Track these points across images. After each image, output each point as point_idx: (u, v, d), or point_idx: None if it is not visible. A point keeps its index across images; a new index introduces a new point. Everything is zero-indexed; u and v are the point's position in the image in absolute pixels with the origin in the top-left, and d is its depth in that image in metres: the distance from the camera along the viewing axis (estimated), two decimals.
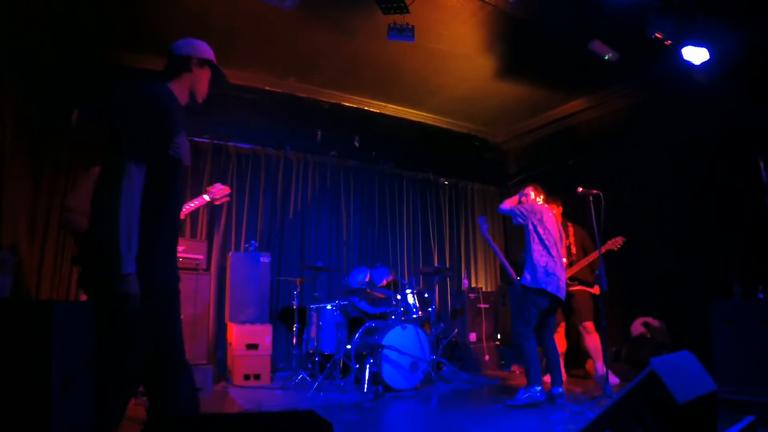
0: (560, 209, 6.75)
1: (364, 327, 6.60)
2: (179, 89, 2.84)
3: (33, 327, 1.88)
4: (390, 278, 7.92)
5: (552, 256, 5.62)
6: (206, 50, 3.00)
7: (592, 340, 6.52)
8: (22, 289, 5.58)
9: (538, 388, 5.37)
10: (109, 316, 2.32)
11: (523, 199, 6.10)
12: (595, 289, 6.53)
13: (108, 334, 2.34)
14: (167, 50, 2.95)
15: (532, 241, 5.70)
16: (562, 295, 5.59)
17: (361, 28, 6.56)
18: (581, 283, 6.54)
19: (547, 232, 5.71)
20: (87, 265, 2.46)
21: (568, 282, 6.46)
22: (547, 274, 5.54)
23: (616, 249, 6.28)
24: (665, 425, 2.51)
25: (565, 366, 6.92)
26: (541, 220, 5.74)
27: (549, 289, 5.48)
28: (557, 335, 6.83)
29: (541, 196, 6.14)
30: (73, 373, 1.99)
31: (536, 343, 5.59)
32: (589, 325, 6.53)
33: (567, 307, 6.63)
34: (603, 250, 6.24)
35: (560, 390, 5.46)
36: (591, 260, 6.48)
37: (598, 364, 6.52)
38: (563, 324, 6.84)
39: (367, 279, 7.69)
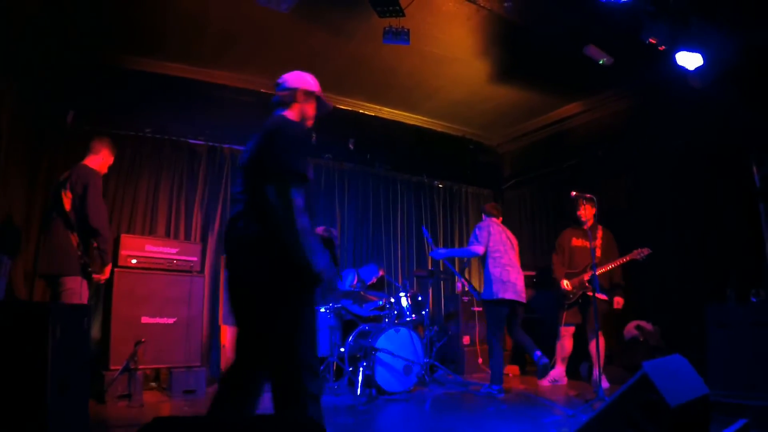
0: (594, 209, 6.76)
1: (357, 330, 6.60)
2: (292, 117, 3.31)
3: (29, 329, 1.88)
4: (380, 274, 7.92)
5: (504, 265, 6.14)
6: (312, 83, 3.42)
7: (600, 346, 6.44)
8: (16, 291, 5.57)
9: (497, 388, 5.98)
10: (302, 306, 2.83)
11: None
12: (618, 300, 6.63)
13: (305, 320, 2.83)
14: (277, 83, 3.45)
15: (486, 256, 6.24)
16: (522, 298, 6.13)
17: (357, 31, 6.58)
18: (602, 290, 6.49)
19: (496, 243, 6.22)
20: (274, 272, 2.78)
21: (587, 285, 6.53)
22: (502, 282, 6.04)
23: (640, 259, 6.27)
24: (657, 428, 2.52)
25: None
26: (490, 233, 6.28)
27: (507, 296, 6.01)
28: (565, 338, 6.84)
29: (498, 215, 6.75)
30: (69, 375, 2.00)
31: (502, 347, 6.22)
32: (600, 332, 6.46)
33: (580, 311, 6.72)
34: (628, 258, 6.27)
35: (538, 354, 6.08)
36: (611, 268, 6.49)
37: (595, 369, 6.50)
38: (573, 327, 6.86)
39: (356, 280, 7.69)
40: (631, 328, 7.04)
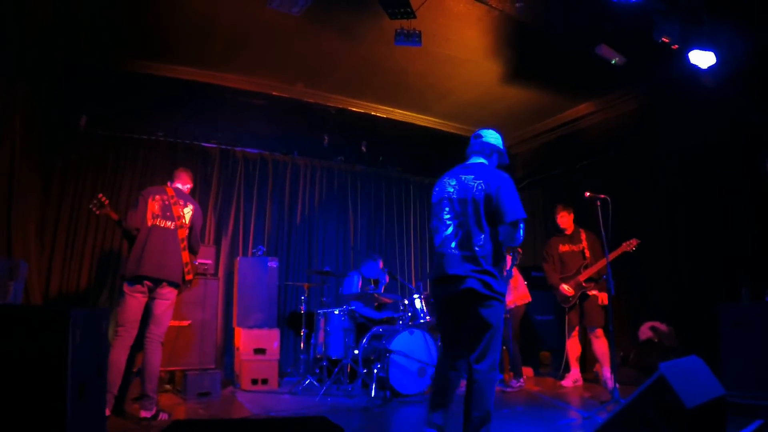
0: (571, 216, 6.99)
1: (371, 332, 6.61)
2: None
3: (49, 333, 1.89)
4: (380, 265, 7.91)
5: None
6: (501, 141, 4.15)
7: (601, 346, 6.61)
8: (32, 295, 5.61)
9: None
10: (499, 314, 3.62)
11: None
12: (603, 296, 6.60)
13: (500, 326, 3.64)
14: (477, 134, 4.21)
15: None
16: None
17: (369, 33, 6.58)
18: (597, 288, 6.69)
19: None
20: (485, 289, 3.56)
21: (583, 285, 6.65)
22: None
23: (631, 250, 6.34)
24: (674, 430, 2.51)
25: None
26: None
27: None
28: (572, 339, 6.90)
29: None
30: (87, 380, 2.00)
31: None
32: (599, 331, 6.59)
33: (580, 311, 6.80)
34: (619, 251, 6.29)
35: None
36: (605, 264, 6.51)
37: (605, 369, 6.54)
38: (577, 328, 6.90)
39: (360, 282, 7.69)
40: (645, 329, 7.02)
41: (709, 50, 5.68)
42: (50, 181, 6.74)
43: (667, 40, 5.52)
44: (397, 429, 5.09)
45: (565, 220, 7.08)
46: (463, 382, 3.69)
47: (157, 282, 4.93)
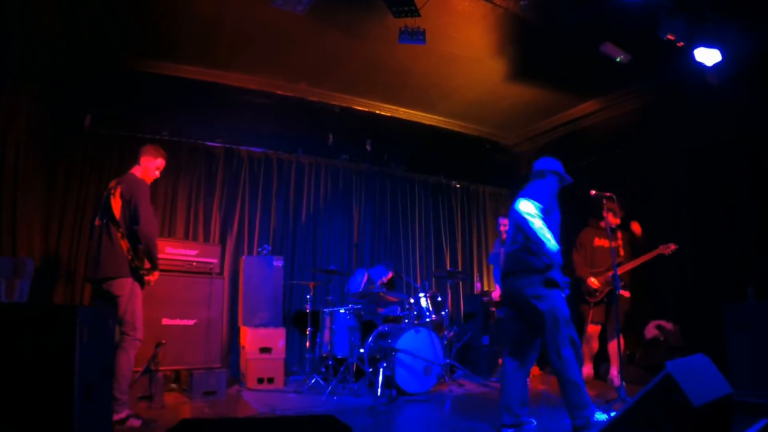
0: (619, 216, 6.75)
1: (377, 330, 6.61)
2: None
3: (56, 332, 1.88)
4: (389, 275, 7.92)
5: None
6: (556, 165, 4.78)
7: (615, 345, 6.44)
8: (38, 294, 5.63)
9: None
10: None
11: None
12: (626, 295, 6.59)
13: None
14: (532, 165, 4.89)
15: None
16: None
17: (372, 31, 6.57)
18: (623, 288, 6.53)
19: None
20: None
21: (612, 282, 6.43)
22: None
23: (667, 254, 6.29)
24: (681, 429, 2.50)
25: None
26: None
27: None
28: (594, 337, 6.80)
29: None
30: (95, 379, 2.00)
31: None
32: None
33: (606, 309, 6.72)
34: (654, 254, 6.22)
35: None
36: (639, 263, 6.50)
37: (613, 368, 6.49)
38: (600, 327, 6.86)
39: (365, 280, 7.70)
40: (651, 328, 7.00)
41: (714, 48, 5.66)
42: (55, 180, 6.75)
43: (672, 38, 5.50)
44: (403, 427, 5.09)
45: (613, 219, 6.62)
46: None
47: (95, 282, 4.82)
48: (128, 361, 4.70)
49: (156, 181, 6.61)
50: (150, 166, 5.22)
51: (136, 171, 5.14)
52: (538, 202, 4.41)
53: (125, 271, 4.73)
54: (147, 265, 4.92)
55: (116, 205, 4.82)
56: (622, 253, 6.70)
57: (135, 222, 4.79)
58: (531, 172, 4.85)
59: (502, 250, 7.09)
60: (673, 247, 6.26)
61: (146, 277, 4.92)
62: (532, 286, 4.31)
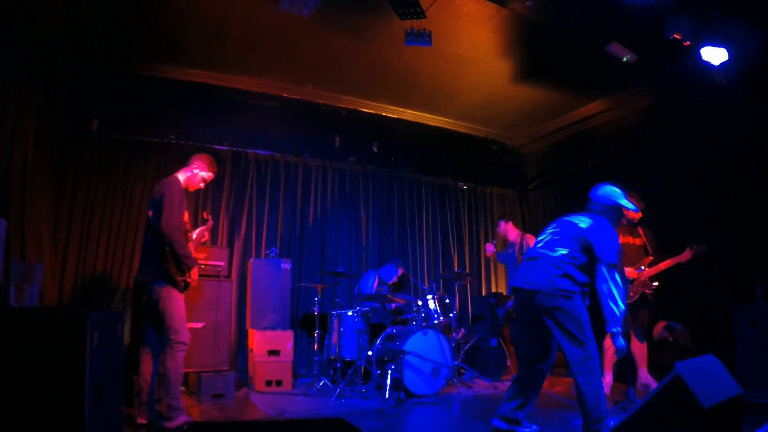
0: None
1: (385, 333, 6.61)
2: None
3: (66, 336, 1.88)
4: (399, 273, 7.92)
5: None
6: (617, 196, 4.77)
7: (642, 347, 6.26)
8: (47, 298, 5.65)
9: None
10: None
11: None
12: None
13: None
14: (589, 197, 4.84)
15: None
16: None
17: (378, 34, 6.59)
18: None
19: None
20: None
21: (648, 283, 6.19)
22: None
23: (697, 255, 6.08)
24: (691, 430, 2.49)
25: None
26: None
27: None
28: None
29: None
30: (104, 383, 2.00)
31: None
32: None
33: (634, 310, 6.24)
34: (689, 255, 6.01)
35: None
36: (671, 264, 6.22)
37: (642, 371, 6.25)
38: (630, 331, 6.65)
39: (376, 282, 7.70)
40: (660, 329, 6.96)
41: (721, 47, 5.64)
42: (63, 184, 6.78)
43: (678, 37, 5.49)
44: (412, 430, 5.09)
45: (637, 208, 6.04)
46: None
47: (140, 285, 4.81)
48: (177, 367, 4.62)
49: None
50: (198, 175, 5.15)
51: (180, 174, 5.06)
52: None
53: (157, 275, 4.63)
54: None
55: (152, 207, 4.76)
56: (650, 250, 6.32)
57: (158, 222, 4.61)
58: (602, 204, 4.76)
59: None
60: (703, 248, 5.99)
61: (186, 280, 4.75)
62: (553, 299, 4.13)
